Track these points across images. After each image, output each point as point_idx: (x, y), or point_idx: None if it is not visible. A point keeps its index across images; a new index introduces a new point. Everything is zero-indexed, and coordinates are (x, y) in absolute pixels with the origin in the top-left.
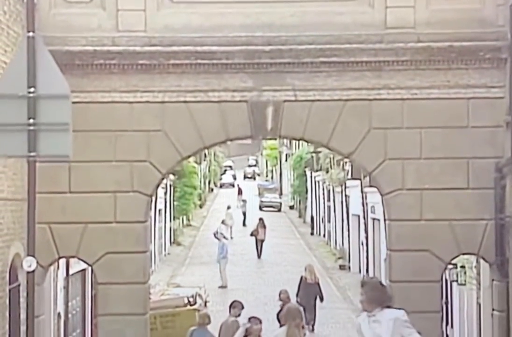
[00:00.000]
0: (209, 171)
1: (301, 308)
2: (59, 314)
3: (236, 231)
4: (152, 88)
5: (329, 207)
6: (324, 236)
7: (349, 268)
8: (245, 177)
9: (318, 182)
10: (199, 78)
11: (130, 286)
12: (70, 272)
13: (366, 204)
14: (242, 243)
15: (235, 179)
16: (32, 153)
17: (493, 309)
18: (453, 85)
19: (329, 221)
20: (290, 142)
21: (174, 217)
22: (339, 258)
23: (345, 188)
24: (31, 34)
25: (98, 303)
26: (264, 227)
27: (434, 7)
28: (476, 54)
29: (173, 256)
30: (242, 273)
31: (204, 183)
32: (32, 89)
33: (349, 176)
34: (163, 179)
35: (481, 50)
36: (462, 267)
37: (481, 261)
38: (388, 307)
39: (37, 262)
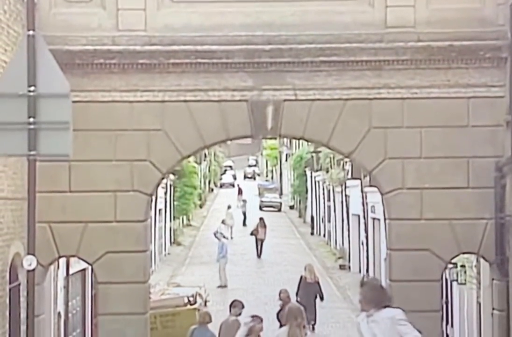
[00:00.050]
0: (209, 170)
1: (302, 308)
2: (59, 313)
3: (236, 231)
4: (152, 88)
5: (329, 207)
6: (324, 235)
7: (349, 267)
8: (245, 177)
9: (318, 181)
10: (199, 78)
11: (130, 285)
12: (70, 272)
13: (366, 203)
14: (242, 242)
15: (235, 178)
16: (32, 152)
17: (493, 308)
18: (453, 84)
19: (329, 221)
20: (290, 142)
21: (174, 217)
22: (339, 258)
23: (345, 187)
24: (31, 32)
25: (98, 303)
26: (265, 226)
27: (434, 6)
28: (476, 53)
29: (173, 255)
30: (242, 273)
31: (204, 183)
32: (32, 88)
33: (349, 176)
34: (163, 178)
35: (481, 50)
36: (462, 266)
37: (481, 260)
38: (387, 307)
39: (37, 261)
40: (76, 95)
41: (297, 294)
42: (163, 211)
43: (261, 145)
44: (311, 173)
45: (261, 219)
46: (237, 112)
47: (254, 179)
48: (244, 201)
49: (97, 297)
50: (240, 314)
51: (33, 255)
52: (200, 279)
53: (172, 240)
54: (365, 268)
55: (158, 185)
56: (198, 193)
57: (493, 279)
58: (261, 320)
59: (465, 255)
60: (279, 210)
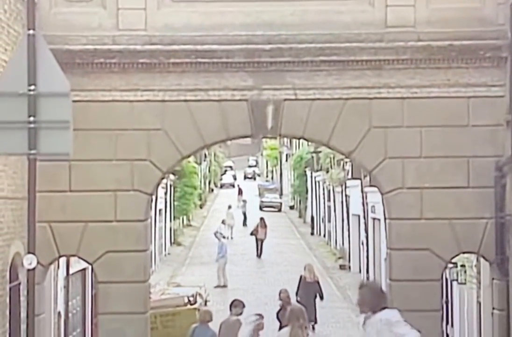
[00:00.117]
0: (209, 171)
1: (304, 309)
2: (59, 313)
3: (236, 231)
4: (153, 87)
5: (329, 207)
6: (324, 236)
7: (349, 267)
8: (245, 177)
9: (318, 182)
10: (199, 77)
11: (130, 284)
12: (71, 271)
13: (366, 203)
14: (242, 243)
15: (235, 179)
16: (32, 151)
17: (493, 308)
18: (453, 84)
19: (329, 221)
20: (290, 142)
21: (174, 217)
22: (339, 258)
23: (345, 187)
24: (31, 32)
25: (98, 302)
26: (265, 226)
27: (434, 6)
28: (476, 53)
29: (173, 256)
30: (242, 273)
31: (205, 183)
32: (32, 87)
33: (349, 176)
34: (163, 177)
35: (481, 49)
36: (462, 266)
37: (481, 259)
38: (384, 308)
39: (38, 261)
40: (76, 95)
41: (297, 293)
42: (163, 211)
43: (261, 145)
44: (311, 173)
45: (261, 219)
46: (237, 111)
47: (254, 179)
48: (244, 201)
49: (97, 296)
50: (241, 313)
51: (33, 254)
52: (200, 279)
53: (172, 240)
54: (365, 268)
55: (158, 185)
56: (198, 193)
57: (493, 279)
58: (262, 317)
59: (465, 255)
60: (279, 210)
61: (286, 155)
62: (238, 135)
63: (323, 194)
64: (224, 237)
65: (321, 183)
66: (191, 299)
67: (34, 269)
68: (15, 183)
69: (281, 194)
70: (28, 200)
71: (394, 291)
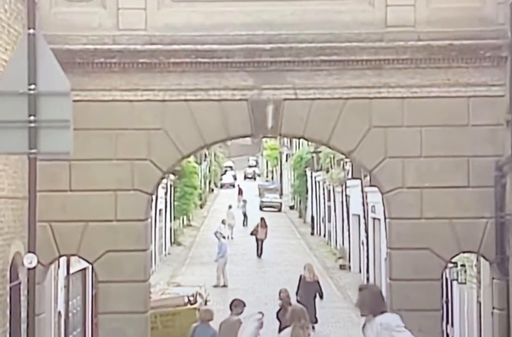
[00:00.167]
0: (209, 171)
1: (305, 309)
2: (59, 312)
3: (236, 231)
4: (153, 87)
5: (329, 207)
6: (324, 235)
7: (350, 267)
8: (245, 177)
9: (319, 182)
10: (199, 77)
11: (130, 284)
12: (71, 271)
13: (367, 203)
14: (242, 243)
15: (235, 179)
16: (32, 151)
17: (493, 308)
18: (453, 83)
19: (329, 221)
20: (290, 142)
21: (174, 217)
22: (340, 258)
23: (345, 187)
24: (31, 31)
25: (98, 302)
26: (265, 226)
27: (434, 6)
28: (477, 52)
29: (173, 256)
30: (242, 273)
31: (205, 183)
32: (32, 86)
33: (349, 176)
34: (163, 177)
35: (481, 49)
36: (462, 265)
37: (481, 259)
38: (384, 312)
39: (38, 260)
40: (77, 95)
41: (297, 293)
42: (163, 211)
43: (261, 145)
44: (311, 173)
45: (262, 219)
46: (237, 111)
47: (255, 179)
48: (245, 201)
49: (98, 296)
50: (241, 313)
51: (34, 253)
52: (200, 279)
53: (172, 240)
54: (365, 268)
55: (158, 184)
56: (198, 193)
57: (493, 278)
58: (263, 315)
59: (465, 254)
60: (279, 210)
61: (286, 155)
62: (238, 135)
63: (323, 193)
64: (224, 237)
65: (321, 183)
66: (191, 298)
67: (34, 268)
68: (15, 183)
69: (281, 194)
70: (29, 199)
71: (394, 291)
